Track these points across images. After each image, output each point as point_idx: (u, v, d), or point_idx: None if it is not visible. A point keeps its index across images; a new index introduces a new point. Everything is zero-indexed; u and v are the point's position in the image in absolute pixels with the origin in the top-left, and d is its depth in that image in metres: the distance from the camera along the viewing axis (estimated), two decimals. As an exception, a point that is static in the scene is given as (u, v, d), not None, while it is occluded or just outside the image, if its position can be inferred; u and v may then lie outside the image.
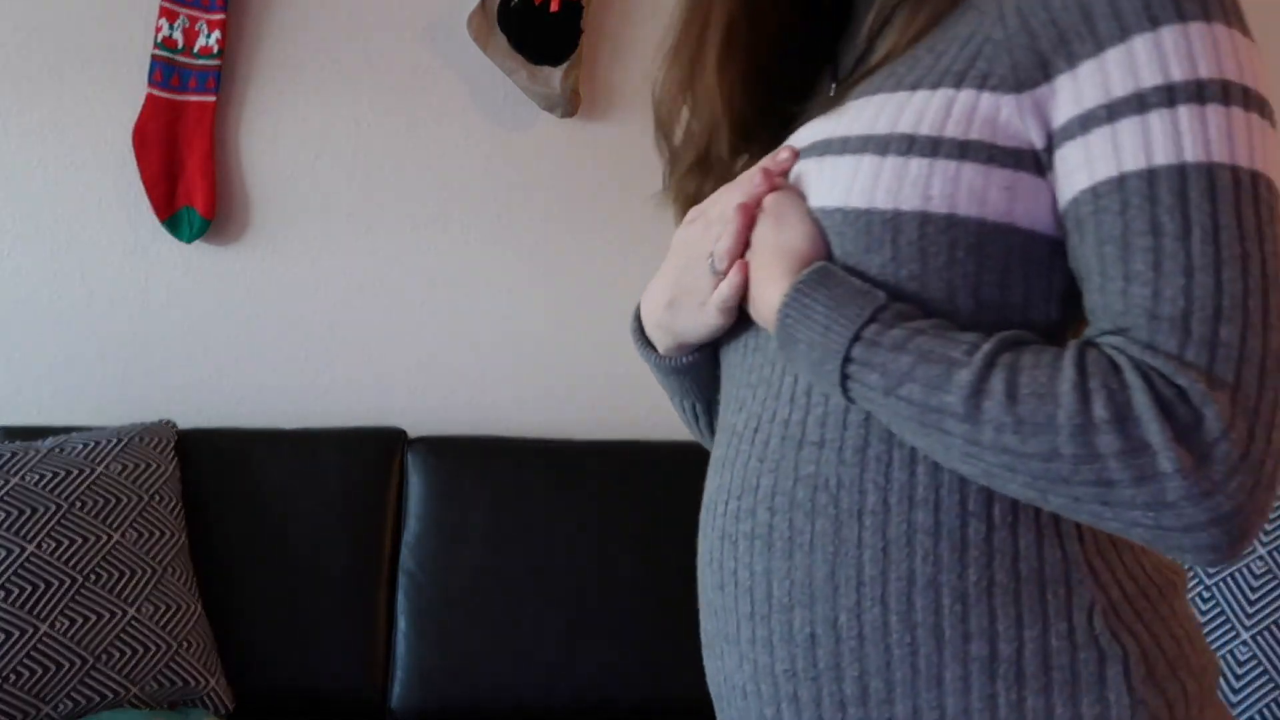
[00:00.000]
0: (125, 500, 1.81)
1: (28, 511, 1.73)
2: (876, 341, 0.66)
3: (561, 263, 2.21)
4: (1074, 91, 0.64)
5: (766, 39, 0.87)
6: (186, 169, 2.09)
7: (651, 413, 1.94)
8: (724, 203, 0.78)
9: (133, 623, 1.75)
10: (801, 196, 0.74)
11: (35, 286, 2.11)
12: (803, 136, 0.77)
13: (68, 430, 1.93)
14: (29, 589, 1.68)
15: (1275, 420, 0.59)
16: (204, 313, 2.14)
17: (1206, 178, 0.61)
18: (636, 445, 2.07)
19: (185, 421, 2.03)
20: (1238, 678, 1.76)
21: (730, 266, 0.76)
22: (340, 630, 1.93)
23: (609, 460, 2.05)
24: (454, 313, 2.19)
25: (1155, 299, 0.60)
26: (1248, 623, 1.77)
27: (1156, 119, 0.62)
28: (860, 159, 0.69)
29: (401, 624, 1.95)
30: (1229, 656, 1.77)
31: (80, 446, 1.85)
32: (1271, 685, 1.74)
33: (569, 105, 2.13)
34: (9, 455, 1.79)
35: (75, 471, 1.80)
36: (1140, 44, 0.62)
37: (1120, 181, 0.62)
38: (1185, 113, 0.61)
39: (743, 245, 0.75)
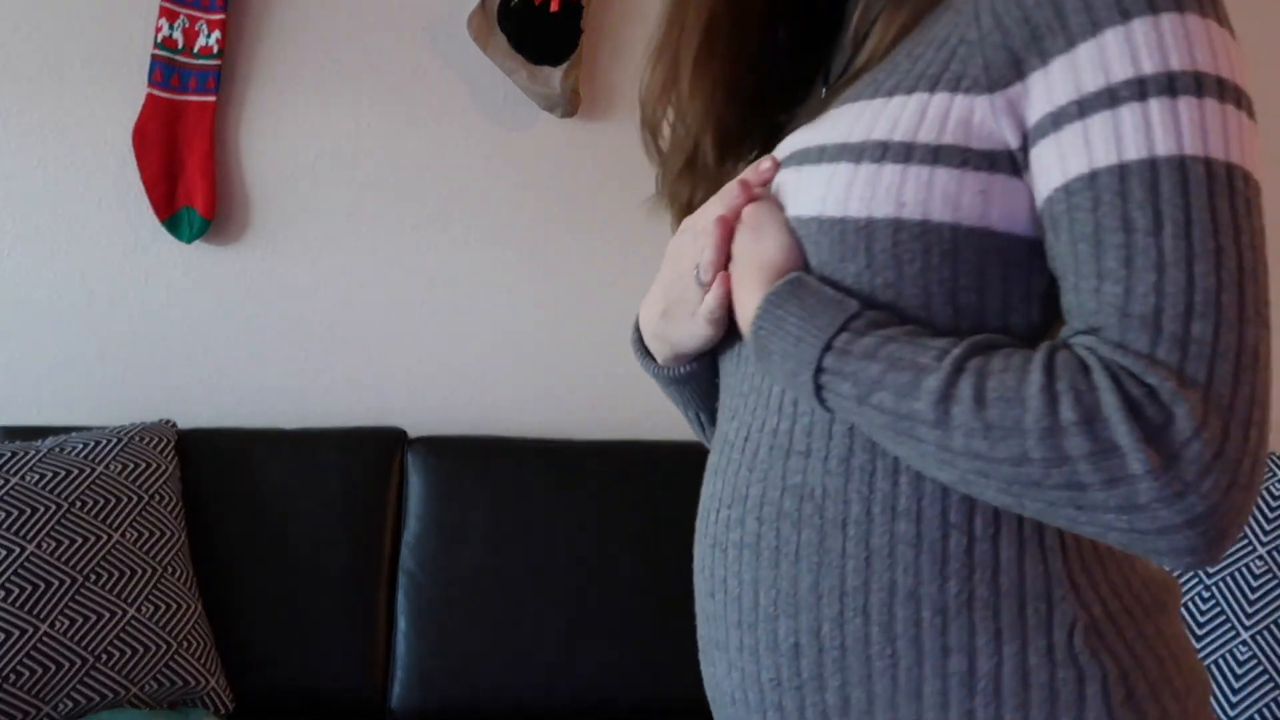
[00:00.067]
0: (125, 500, 1.81)
1: (27, 511, 1.73)
2: (848, 350, 0.66)
3: (561, 263, 2.21)
4: (1046, 88, 0.63)
5: (750, 42, 0.86)
6: (186, 169, 2.09)
7: (651, 413, 1.94)
8: (708, 214, 0.78)
9: (132, 622, 1.75)
10: (780, 207, 0.74)
11: (35, 286, 2.11)
12: (786, 146, 0.77)
13: (67, 430, 1.93)
14: (29, 589, 1.68)
15: (1253, 417, 0.58)
16: (204, 313, 2.14)
17: (1179, 171, 0.59)
18: (636, 445, 2.07)
19: (185, 421, 2.03)
20: (1238, 678, 1.76)
21: (714, 278, 0.76)
22: (340, 630, 1.93)
23: (609, 460, 2.05)
24: (454, 313, 2.19)
25: (1127, 296, 0.59)
26: (1248, 623, 1.77)
27: (1128, 113, 0.60)
28: (836, 167, 0.69)
29: (401, 624, 1.95)
30: (1229, 656, 1.77)
31: (80, 446, 1.85)
32: (1271, 685, 1.74)
33: (569, 105, 2.13)
34: (9, 455, 1.79)
35: (75, 471, 1.80)
36: (1111, 37, 0.61)
37: (1092, 178, 0.61)
38: (1157, 106, 0.60)
39: (724, 257, 0.76)
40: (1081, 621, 0.66)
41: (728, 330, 0.78)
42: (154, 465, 1.87)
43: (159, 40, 2.06)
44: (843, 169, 0.68)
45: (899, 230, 0.66)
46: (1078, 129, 0.61)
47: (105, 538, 1.77)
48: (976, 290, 0.66)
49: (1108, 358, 0.59)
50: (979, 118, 0.65)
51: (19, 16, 2.08)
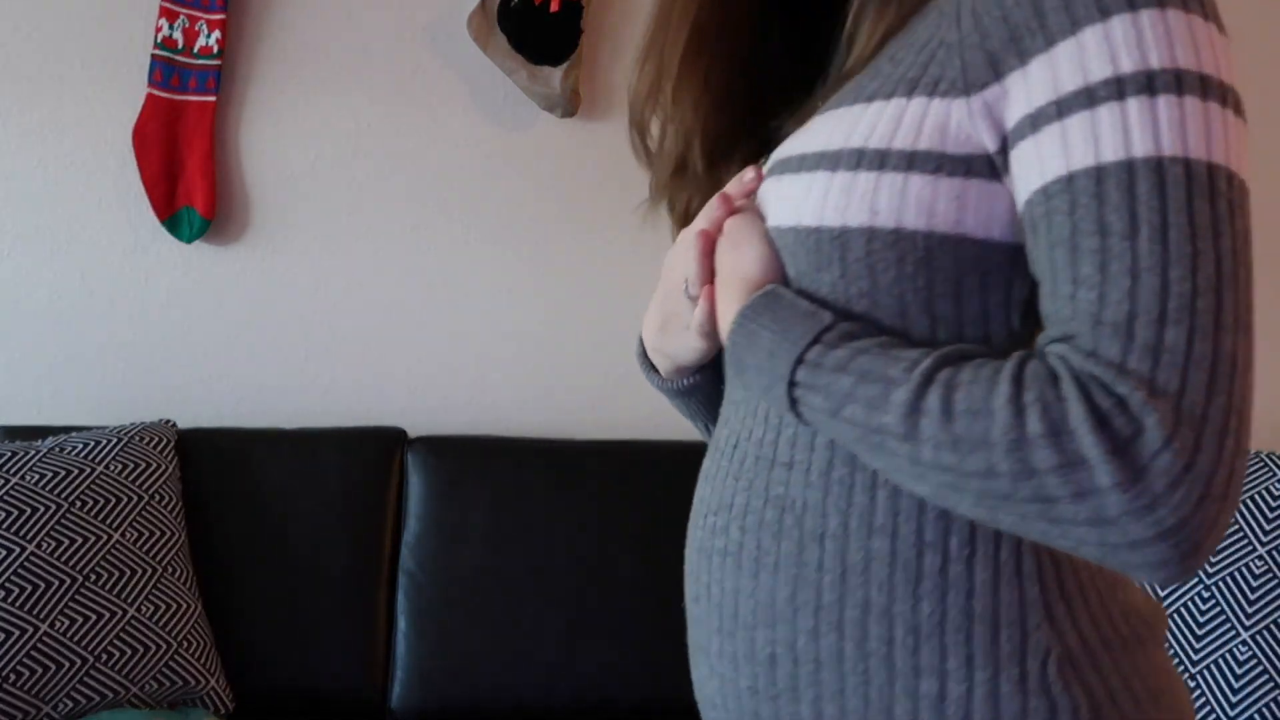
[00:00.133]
0: (125, 500, 1.81)
1: (27, 511, 1.73)
2: (819, 363, 0.65)
3: (561, 263, 2.21)
4: (1025, 89, 0.61)
5: (740, 46, 0.84)
6: (186, 169, 2.09)
7: (652, 413, 1.94)
8: (695, 228, 0.78)
9: (132, 622, 1.75)
10: (762, 218, 0.73)
11: (35, 286, 2.11)
12: (775, 153, 0.76)
13: (67, 430, 1.93)
14: (29, 589, 1.68)
15: (1228, 426, 0.55)
16: (204, 313, 2.14)
17: (1156, 173, 0.57)
18: (636, 445, 2.07)
19: (185, 421, 2.03)
20: (1238, 678, 1.75)
21: (701, 292, 0.76)
22: (340, 630, 1.93)
23: (609, 460, 2.05)
24: (454, 313, 2.19)
25: (1101, 303, 0.57)
26: (1247, 622, 1.77)
27: (1106, 113, 0.58)
28: (814, 176, 0.68)
29: (401, 624, 1.95)
30: (1229, 656, 1.77)
31: (80, 446, 1.85)
32: (1271, 685, 1.74)
33: (569, 105, 2.13)
34: (9, 455, 1.79)
35: (75, 471, 1.80)
36: (1090, 36, 0.59)
37: (1069, 180, 0.59)
38: (1135, 105, 0.58)
39: (708, 271, 0.76)
40: (1056, 651, 0.64)
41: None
42: (154, 465, 1.87)
43: (159, 40, 2.06)
44: (820, 177, 0.67)
45: (872, 239, 0.65)
46: (1056, 130, 0.60)
47: (105, 538, 1.77)
48: (953, 298, 0.65)
49: (1079, 367, 0.57)
50: (955, 121, 0.63)
51: (19, 16, 2.08)
